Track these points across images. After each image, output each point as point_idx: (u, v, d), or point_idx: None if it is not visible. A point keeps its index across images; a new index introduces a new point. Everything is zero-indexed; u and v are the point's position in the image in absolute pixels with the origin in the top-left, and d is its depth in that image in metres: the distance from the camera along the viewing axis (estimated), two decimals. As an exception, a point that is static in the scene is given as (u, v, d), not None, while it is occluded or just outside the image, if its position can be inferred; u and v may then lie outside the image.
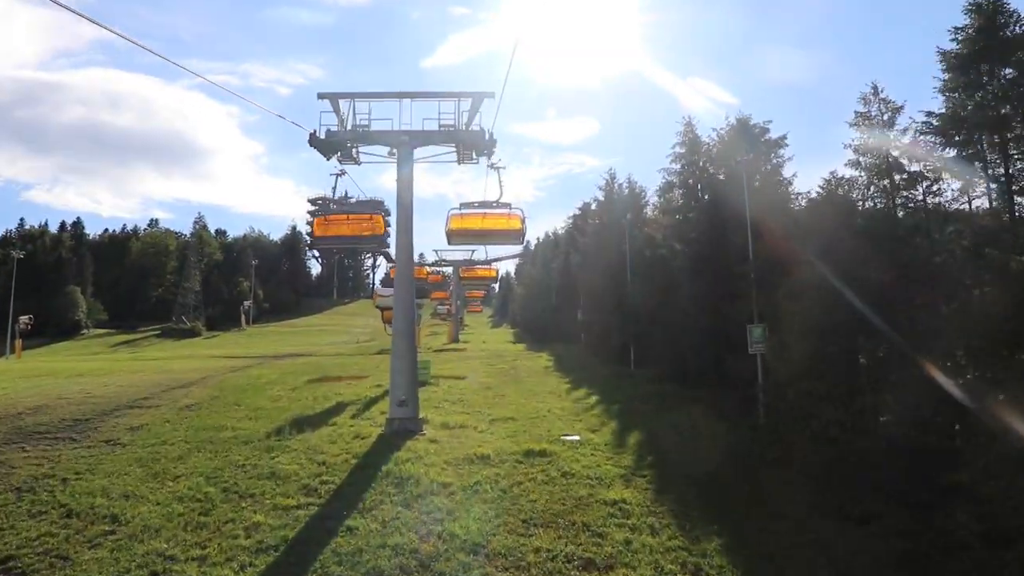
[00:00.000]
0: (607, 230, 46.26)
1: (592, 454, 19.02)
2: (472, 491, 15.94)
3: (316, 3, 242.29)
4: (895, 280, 16.81)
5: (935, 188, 17.89)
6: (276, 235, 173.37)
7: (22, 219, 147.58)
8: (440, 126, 22.74)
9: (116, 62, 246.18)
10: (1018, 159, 16.65)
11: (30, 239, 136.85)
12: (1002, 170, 16.76)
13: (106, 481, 16.84)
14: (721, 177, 29.37)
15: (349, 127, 22.65)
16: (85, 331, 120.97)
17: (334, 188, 24.46)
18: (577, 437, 20.68)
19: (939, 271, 16.73)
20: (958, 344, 15.65)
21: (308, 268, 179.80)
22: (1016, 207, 16.78)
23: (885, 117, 18.90)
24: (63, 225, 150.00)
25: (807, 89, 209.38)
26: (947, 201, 17.91)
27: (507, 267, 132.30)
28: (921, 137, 17.90)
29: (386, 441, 19.84)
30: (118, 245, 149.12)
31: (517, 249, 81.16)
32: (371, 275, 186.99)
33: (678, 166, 32.18)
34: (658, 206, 38.21)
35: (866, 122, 19.18)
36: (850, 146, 19.35)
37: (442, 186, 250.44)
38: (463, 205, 27.68)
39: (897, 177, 18.47)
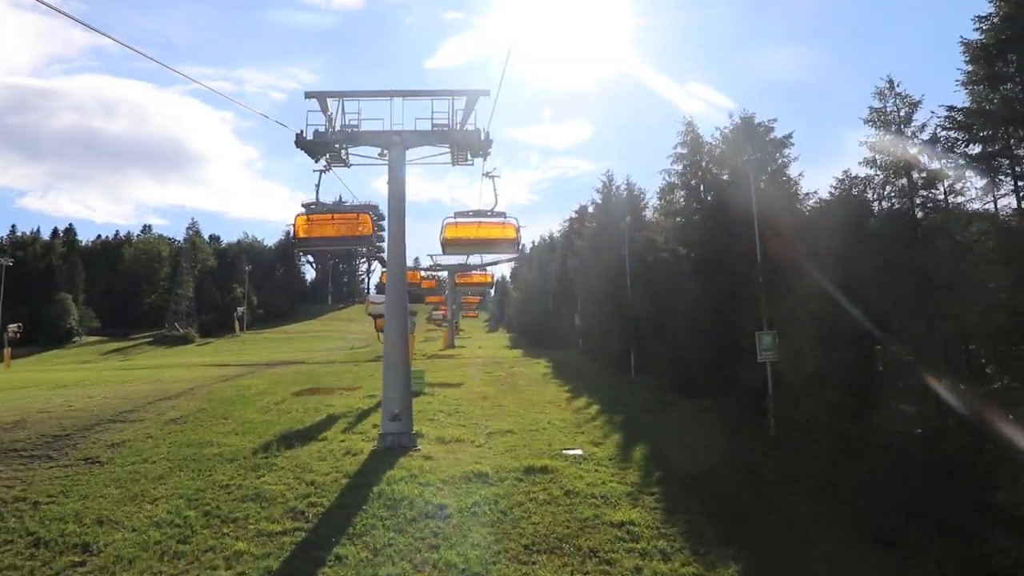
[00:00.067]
0: (605, 233, 45.46)
1: (596, 470, 18.09)
2: (470, 513, 14.97)
3: (309, 8, 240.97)
4: (916, 285, 15.82)
5: (957, 187, 16.90)
6: (270, 240, 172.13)
7: (13, 226, 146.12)
8: (433, 126, 21.65)
9: (109, 68, 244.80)
10: (1048, 155, 15.75)
11: (21, 246, 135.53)
12: (1030, 167, 15.86)
13: (80, 504, 15.81)
14: (725, 177, 28.44)
15: (338, 128, 21.64)
16: (77, 339, 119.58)
17: (317, 186, 23.18)
18: (579, 451, 19.74)
19: (963, 275, 15.74)
20: (986, 352, 14.69)
21: (303, 274, 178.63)
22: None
23: (902, 113, 17.97)
24: (55, 232, 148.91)
25: (804, 88, 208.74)
26: (969, 200, 16.95)
27: (503, 271, 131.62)
28: (942, 133, 16.94)
29: (378, 458, 18.83)
30: (111, 252, 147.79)
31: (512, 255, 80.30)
32: (366, 280, 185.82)
33: (679, 167, 31.24)
34: (658, 208, 37.28)
35: (881, 118, 18.24)
36: (865, 143, 18.44)
37: (437, 191, 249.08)
38: (458, 214, 27.00)
39: (916, 176, 17.51)
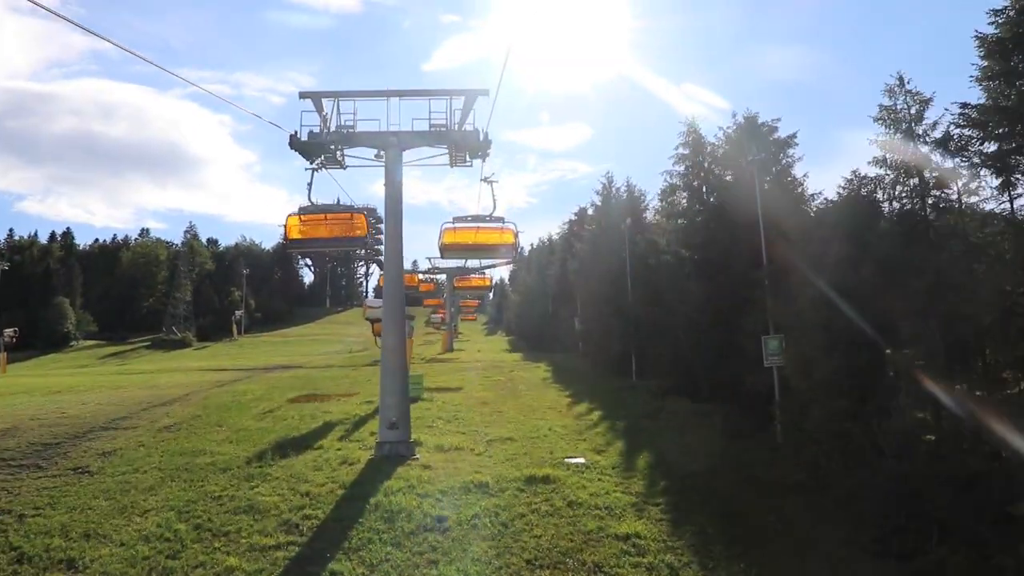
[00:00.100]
0: (605, 235, 45.06)
1: (599, 479, 17.57)
2: (470, 526, 14.45)
3: (307, 11, 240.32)
4: (928, 287, 15.32)
5: (971, 186, 16.40)
6: (269, 244, 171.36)
7: (11, 230, 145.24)
8: (431, 126, 21.12)
9: (108, 72, 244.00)
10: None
11: (18, 250, 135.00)
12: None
13: (67, 517, 15.28)
14: (728, 178, 27.99)
15: (333, 128, 21.12)
16: (74, 343, 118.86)
17: (310, 185, 22.36)
18: (582, 460, 19.23)
19: (977, 277, 15.25)
20: (1004, 356, 14.19)
21: (301, 277, 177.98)
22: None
23: (912, 111, 17.49)
24: (52, 235, 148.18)
25: (803, 90, 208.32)
26: (983, 200, 16.44)
27: (501, 274, 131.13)
28: (955, 131, 16.42)
29: (376, 467, 18.30)
30: (108, 255, 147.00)
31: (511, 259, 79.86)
32: (364, 283, 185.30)
33: (681, 167, 30.80)
34: (660, 210, 36.80)
35: (891, 116, 17.76)
36: (874, 142, 17.96)
37: (435, 193, 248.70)
38: (456, 219, 26.43)
39: (927, 175, 17.02)
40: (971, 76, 15.83)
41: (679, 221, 31.84)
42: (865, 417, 15.70)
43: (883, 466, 14.52)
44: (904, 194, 17.55)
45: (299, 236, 22.33)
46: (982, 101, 15.77)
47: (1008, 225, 15.56)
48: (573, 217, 75.14)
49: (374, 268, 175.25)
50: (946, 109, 16.64)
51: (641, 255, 36.58)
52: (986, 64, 15.60)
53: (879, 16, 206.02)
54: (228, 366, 56.15)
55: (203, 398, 31.27)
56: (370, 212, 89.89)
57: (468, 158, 22.53)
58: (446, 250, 27.41)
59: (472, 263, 58.90)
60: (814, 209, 23.44)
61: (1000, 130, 15.41)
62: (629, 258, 36.83)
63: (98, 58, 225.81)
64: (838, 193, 19.11)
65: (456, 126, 21.21)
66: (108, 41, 12.77)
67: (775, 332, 20.65)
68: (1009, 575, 11.69)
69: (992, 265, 15.19)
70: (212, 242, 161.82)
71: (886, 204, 18.10)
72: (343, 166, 22.51)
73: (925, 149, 17.23)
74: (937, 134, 17.08)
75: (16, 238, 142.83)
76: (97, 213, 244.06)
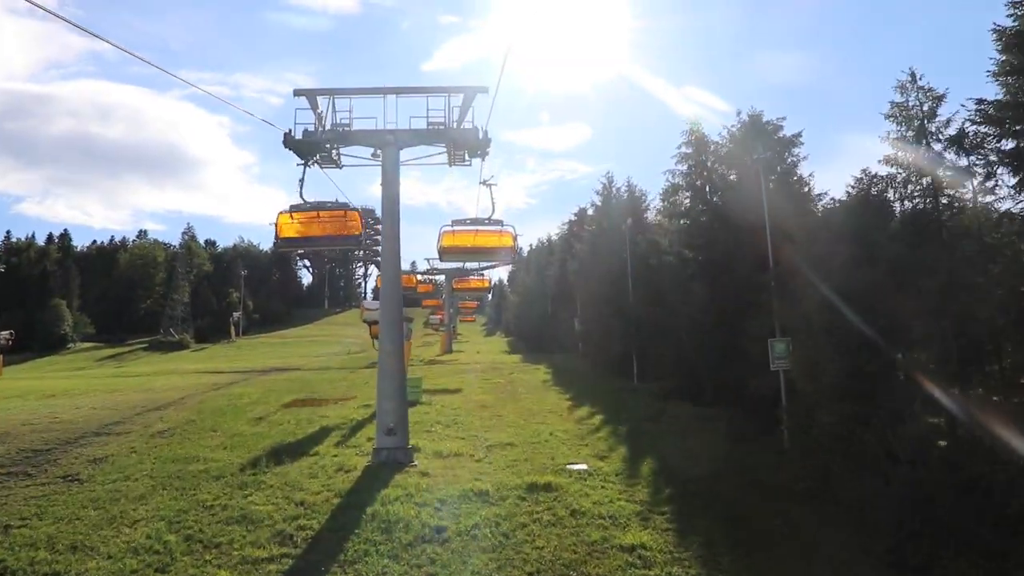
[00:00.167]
0: (605, 235, 44.62)
1: (602, 487, 17.08)
2: (470, 536, 13.95)
3: (306, 12, 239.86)
4: (943, 289, 14.84)
5: (987, 185, 15.91)
6: (267, 245, 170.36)
7: (8, 231, 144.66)
8: (429, 124, 20.62)
9: (106, 73, 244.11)
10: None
11: (15, 252, 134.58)
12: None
13: (54, 528, 14.77)
14: (733, 178, 27.51)
15: (329, 127, 20.61)
16: (71, 345, 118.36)
17: (302, 181, 21.25)
18: (584, 466, 18.74)
19: (994, 279, 14.76)
20: (1021, 360, 13.71)
21: (299, 278, 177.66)
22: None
23: (925, 107, 17.02)
24: (50, 237, 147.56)
25: (802, 91, 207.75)
26: (999, 199, 15.94)
27: (500, 275, 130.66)
28: (971, 128, 15.94)
29: (373, 475, 17.80)
30: (106, 257, 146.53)
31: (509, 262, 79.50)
32: (363, 284, 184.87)
33: (684, 167, 30.38)
34: (662, 210, 36.35)
35: (903, 113, 17.29)
36: (886, 140, 17.48)
37: (434, 194, 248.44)
38: (455, 222, 26.08)
39: (941, 173, 16.55)
40: (987, 71, 15.36)
41: (682, 221, 31.42)
42: (876, 422, 15.21)
43: (897, 473, 13.99)
44: (916, 193, 17.09)
45: (291, 235, 21.60)
46: (999, 97, 15.31)
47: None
48: (573, 217, 74.81)
49: (372, 269, 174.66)
50: (962, 105, 16.19)
51: (642, 256, 36.15)
52: (1004, 58, 15.10)
53: (879, 17, 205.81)
54: (225, 368, 55.72)
55: (198, 402, 30.83)
56: (368, 213, 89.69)
57: (467, 157, 22.00)
58: (445, 253, 27.10)
59: (471, 265, 58.62)
60: (820, 209, 22.96)
61: (1018, 126, 14.93)
62: (630, 259, 36.37)
63: (95, 59, 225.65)
64: (847, 192, 18.66)
65: (455, 124, 20.68)
66: (107, 42, 12.42)
67: (782, 335, 20.17)
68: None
69: (1008, 266, 14.66)
70: (210, 243, 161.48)
71: (897, 204, 17.64)
72: (339, 165, 21.98)
73: (938, 147, 16.80)
74: (951, 131, 16.63)
75: (13, 240, 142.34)
76: (95, 215, 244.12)
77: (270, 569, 12.74)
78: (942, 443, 15.84)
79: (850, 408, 15.61)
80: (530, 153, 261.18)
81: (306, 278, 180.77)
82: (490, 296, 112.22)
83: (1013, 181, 15.28)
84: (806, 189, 24.60)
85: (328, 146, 21.02)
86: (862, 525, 14.32)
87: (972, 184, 16.19)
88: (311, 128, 20.58)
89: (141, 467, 19.09)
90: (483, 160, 21.94)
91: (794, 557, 13.47)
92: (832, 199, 21.95)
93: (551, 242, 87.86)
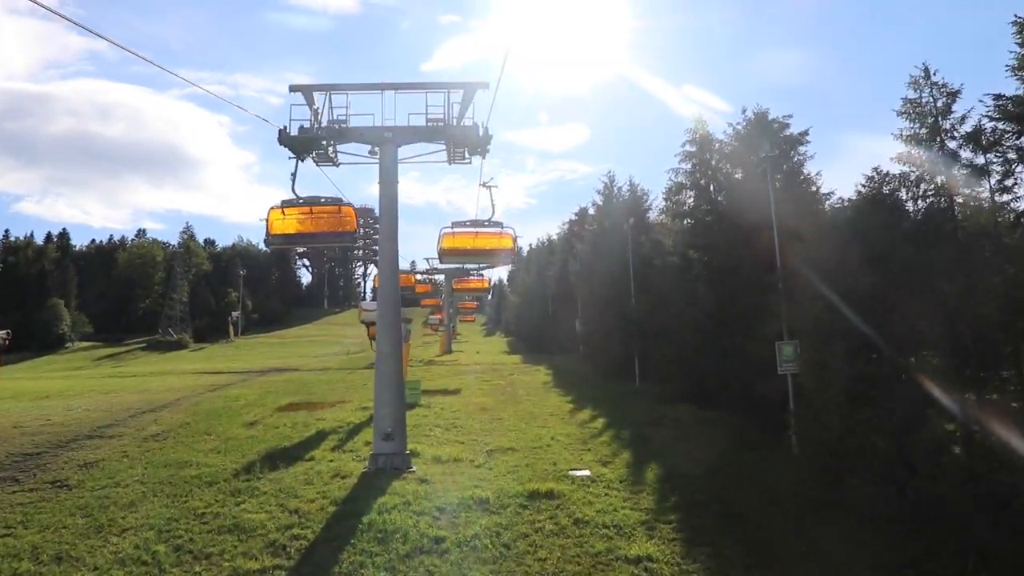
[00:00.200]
0: (607, 235, 44.02)
1: (606, 494, 16.59)
2: (469, 547, 13.46)
3: (305, 12, 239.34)
4: (961, 292, 14.32)
5: (1005, 183, 15.39)
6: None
7: (7, 231, 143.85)
8: (428, 120, 20.08)
9: (106, 73, 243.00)
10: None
11: (13, 251, 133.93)
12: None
13: (39, 537, 14.29)
14: (738, 176, 26.97)
15: (325, 123, 20.07)
16: (69, 344, 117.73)
17: (294, 175, 20.65)
18: (587, 472, 18.24)
19: (1012, 280, 14.26)
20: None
21: (298, 277, 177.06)
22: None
23: (939, 103, 16.51)
24: (48, 236, 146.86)
25: (802, 92, 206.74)
26: (1016, 198, 15.45)
27: (500, 275, 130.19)
28: (988, 124, 15.44)
29: (369, 481, 17.29)
30: (105, 256, 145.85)
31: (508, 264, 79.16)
32: (362, 283, 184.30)
33: (688, 165, 29.82)
34: (665, 209, 35.73)
35: (916, 110, 16.78)
36: (899, 137, 16.96)
37: (433, 194, 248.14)
38: (455, 224, 25.74)
39: (956, 172, 16.03)
40: (1006, 65, 14.88)
41: (686, 221, 30.86)
42: (890, 429, 14.69)
43: (914, 483, 13.45)
44: (930, 192, 16.58)
45: (282, 231, 20.75)
46: (1019, 92, 14.80)
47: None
48: (573, 217, 74.18)
49: (372, 268, 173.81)
50: (980, 100, 15.68)
51: (645, 256, 35.65)
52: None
53: (879, 17, 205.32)
54: (223, 369, 55.21)
55: (194, 403, 30.35)
56: (367, 212, 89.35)
57: (467, 155, 21.45)
58: (445, 255, 26.78)
59: (470, 265, 58.25)
60: (828, 209, 22.43)
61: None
62: (632, 259, 35.86)
63: (95, 58, 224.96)
64: (858, 191, 18.10)
65: (454, 121, 20.14)
66: (106, 40, 12.06)
67: (790, 337, 19.65)
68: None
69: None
70: (209, 243, 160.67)
71: (910, 203, 17.12)
72: (336, 163, 21.46)
73: (953, 144, 16.30)
74: (967, 128, 16.12)
75: (12, 239, 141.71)
76: (95, 214, 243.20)
77: (262, 582, 12.28)
78: (957, 451, 15.29)
79: (862, 414, 15.09)
80: (529, 153, 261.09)
81: (305, 278, 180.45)
82: (489, 296, 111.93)
83: (1034, 180, 14.82)
84: (814, 188, 24.09)
85: (324, 143, 20.45)
86: (877, 536, 13.82)
87: (989, 183, 15.71)
88: (307, 125, 20.05)
89: (132, 472, 18.62)
90: (483, 158, 21.38)
91: (807, 570, 12.99)
92: (840, 198, 21.47)
93: (551, 242, 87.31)
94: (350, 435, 22.64)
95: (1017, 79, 14.78)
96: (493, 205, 31.50)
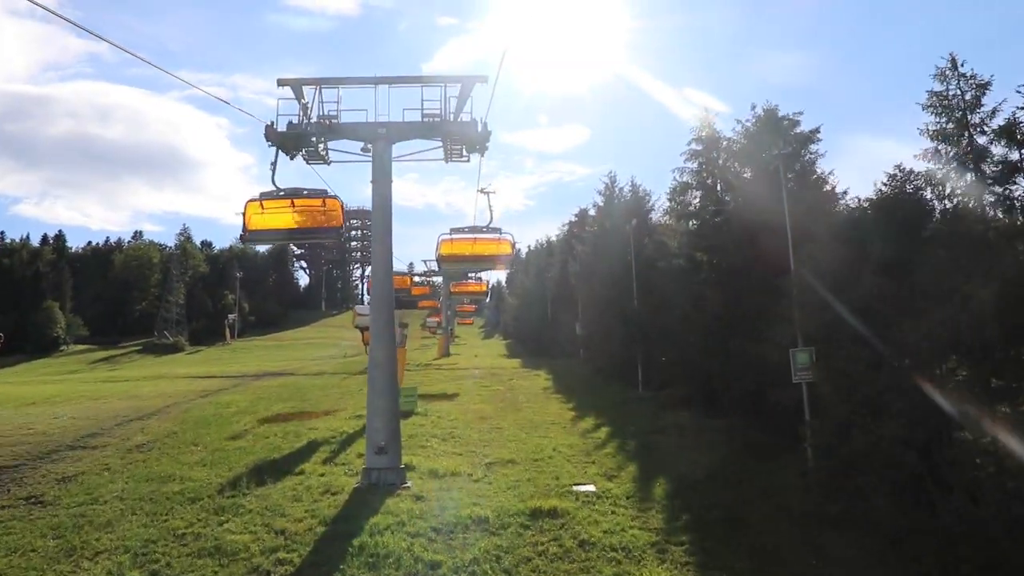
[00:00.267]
0: (608, 236, 43.10)
1: (613, 512, 15.64)
2: (467, 573, 12.50)
3: (304, 13, 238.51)
4: (995, 297, 13.33)
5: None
6: (264, 246, 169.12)
7: (2, 232, 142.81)
8: (424, 116, 19.00)
9: (105, 74, 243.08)
10: None
11: (8, 253, 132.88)
12: None
13: (5, 562, 13.30)
14: (747, 175, 25.98)
15: (315, 119, 19.00)
16: (64, 347, 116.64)
17: (274, 164, 19.10)
18: (592, 487, 17.28)
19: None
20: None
21: (296, 280, 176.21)
22: None
23: (967, 97, 15.54)
24: (45, 238, 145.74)
25: (802, 93, 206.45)
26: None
27: (498, 276, 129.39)
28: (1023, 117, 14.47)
29: (361, 499, 16.28)
30: (101, 258, 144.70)
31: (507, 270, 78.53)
32: (360, 285, 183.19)
33: (694, 164, 28.83)
34: (669, 210, 34.64)
35: (943, 103, 15.82)
36: (925, 132, 15.99)
37: (432, 195, 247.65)
38: (453, 230, 25.00)
39: (987, 169, 15.07)
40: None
41: (691, 222, 29.87)
42: (918, 444, 13.71)
43: (948, 504, 12.42)
44: (958, 191, 15.60)
45: (260, 227, 18.90)
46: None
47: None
48: (573, 218, 73.32)
49: (370, 270, 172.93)
50: (1017, 91, 14.65)
51: (648, 257, 34.70)
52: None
53: (879, 17, 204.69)
54: (217, 373, 54.15)
55: (183, 411, 29.40)
56: (365, 214, 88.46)
57: (465, 152, 20.36)
58: (444, 261, 26.13)
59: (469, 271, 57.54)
60: (843, 209, 21.43)
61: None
62: (635, 261, 34.87)
63: (94, 60, 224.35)
64: (878, 191, 17.10)
65: (452, 116, 19.13)
66: (106, 41, 11.27)
67: (804, 344, 18.63)
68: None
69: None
70: (206, 244, 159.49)
71: (935, 202, 16.15)
72: (327, 161, 20.32)
73: (983, 140, 15.34)
74: (998, 122, 15.15)
75: (7, 241, 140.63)
76: (94, 216, 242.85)
77: (242, 613, 11.31)
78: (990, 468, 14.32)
79: (889, 428, 14.10)
80: (528, 155, 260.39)
81: (303, 280, 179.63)
82: (488, 298, 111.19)
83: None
84: (827, 188, 23.08)
85: (314, 139, 19.34)
86: (905, 560, 12.85)
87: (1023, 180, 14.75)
88: (296, 121, 18.98)
89: (112, 487, 17.66)
90: (482, 156, 20.28)
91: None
92: (856, 198, 20.48)
93: (551, 243, 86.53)
94: (343, 446, 21.68)
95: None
96: (491, 211, 30.81)
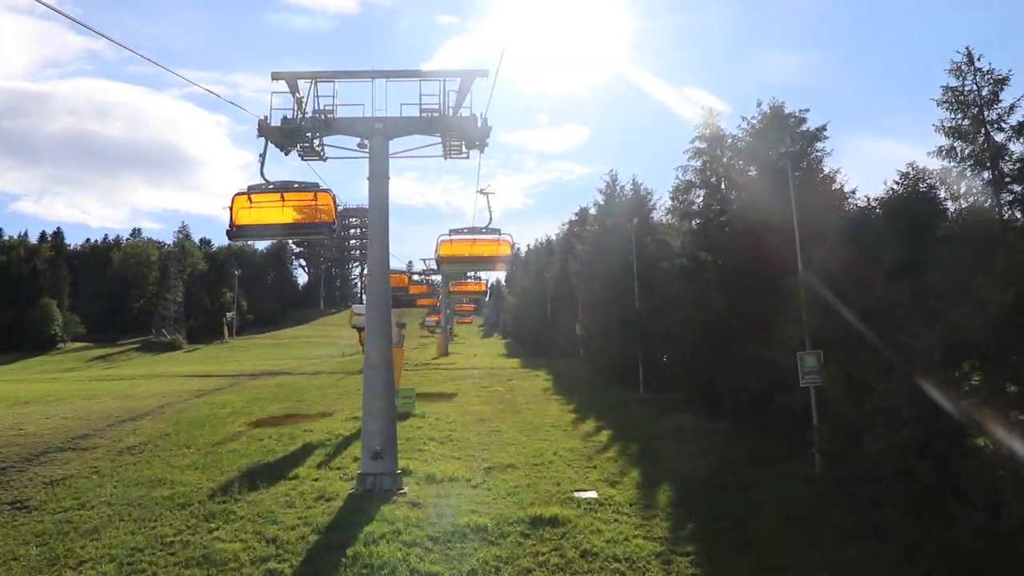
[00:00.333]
0: (609, 236, 42.62)
1: (615, 519, 15.15)
2: (465, 586, 12.02)
3: (304, 12, 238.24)
4: (1012, 299, 12.83)
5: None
6: (262, 244, 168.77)
7: (0, 229, 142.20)
8: (422, 111, 18.50)
9: (104, 72, 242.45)
10: None
11: (5, 250, 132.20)
12: None
13: (-15, 572, 12.86)
14: (752, 174, 25.48)
15: (310, 113, 18.48)
16: (61, 345, 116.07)
17: (262, 156, 18.36)
18: (594, 494, 16.79)
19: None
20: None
21: (294, 278, 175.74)
22: None
23: (984, 92, 15.05)
24: (43, 236, 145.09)
25: (802, 93, 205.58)
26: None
27: (497, 275, 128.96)
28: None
29: (356, 505, 15.81)
30: (99, 256, 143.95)
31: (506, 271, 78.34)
32: (359, 284, 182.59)
33: (698, 163, 28.32)
34: (672, 209, 34.07)
35: (958, 99, 15.32)
36: (939, 129, 15.50)
37: (431, 194, 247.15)
38: (452, 231, 24.81)
39: (1005, 167, 14.59)
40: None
41: (694, 222, 29.36)
42: (934, 453, 13.21)
43: (969, 519, 11.89)
44: (975, 190, 15.12)
45: (248, 222, 18.02)
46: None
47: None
48: (574, 217, 72.90)
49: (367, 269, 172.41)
50: (1040, 86, 14.25)
51: (650, 257, 34.22)
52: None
53: (879, 17, 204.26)
54: (213, 372, 53.71)
55: (177, 411, 28.95)
56: (363, 212, 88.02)
57: (464, 149, 19.84)
58: (443, 262, 26.16)
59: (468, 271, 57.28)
60: (852, 208, 20.94)
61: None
62: (636, 260, 34.39)
63: (93, 58, 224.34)
64: (890, 190, 16.62)
65: (451, 111, 18.60)
66: (106, 37, 11.02)
67: (812, 347, 18.12)
68: None
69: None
70: (205, 242, 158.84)
71: (949, 202, 15.68)
72: (322, 157, 19.80)
73: (1000, 137, 14.85)
74: (1017, 118, 14.68)
75: (6, 238, 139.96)
76: (93, 213, 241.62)
77: (229, 628, 10.83)
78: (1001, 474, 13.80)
79: (902, 434, 13.59)
80: (528, 154, 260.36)
81: (302, 278, 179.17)
82: (487, 297, 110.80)
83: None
84: (836, 187, 22.57)
85: (309, 135, 18.77)
86: (920, 574, 12.34)
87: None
88: (291, 115, 18.45)
89: (100, 492, 17.23)
90: (482, 152, 19.74)
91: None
92: (865, 197, 19.99)
93: (551, 242, 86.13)
94: (338, 449, 21.21)
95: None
96: (491, 212, 30.69)
